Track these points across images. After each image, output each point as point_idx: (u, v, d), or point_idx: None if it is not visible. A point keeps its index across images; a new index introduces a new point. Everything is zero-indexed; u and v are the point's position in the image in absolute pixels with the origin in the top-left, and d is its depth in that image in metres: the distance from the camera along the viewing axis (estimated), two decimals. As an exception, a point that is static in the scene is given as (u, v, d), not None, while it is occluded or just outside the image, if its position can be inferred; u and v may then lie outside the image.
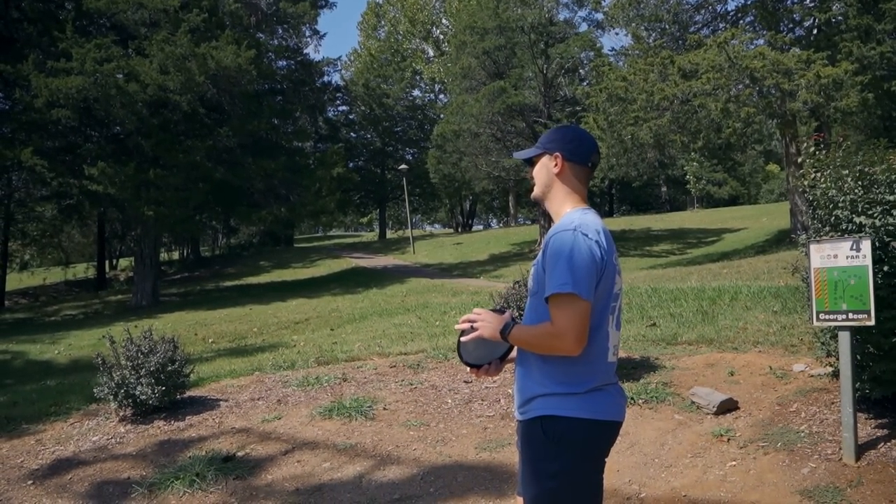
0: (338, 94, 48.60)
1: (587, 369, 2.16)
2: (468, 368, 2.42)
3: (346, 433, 5.46)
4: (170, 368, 6.06)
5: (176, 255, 48.25)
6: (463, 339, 2.33)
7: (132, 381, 5.90)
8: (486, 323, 2.27)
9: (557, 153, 2.33)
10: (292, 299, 19.85)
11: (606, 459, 2.31)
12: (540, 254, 2.22)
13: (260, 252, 46.02)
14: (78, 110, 19.72)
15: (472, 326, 2.30)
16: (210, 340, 13.04)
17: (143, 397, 5.88)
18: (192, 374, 6.73)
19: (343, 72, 55.46)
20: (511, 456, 4.77)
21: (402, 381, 6.74)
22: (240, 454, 5.16)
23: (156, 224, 22.22)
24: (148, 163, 20.65)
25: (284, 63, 36.93)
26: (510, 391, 6.13)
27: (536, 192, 2.41)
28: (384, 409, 5.95)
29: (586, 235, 2.13)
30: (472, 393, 6.20)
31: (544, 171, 2.36)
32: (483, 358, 2.40)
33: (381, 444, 5.22)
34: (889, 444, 4.24)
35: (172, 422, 5.98)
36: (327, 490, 4.54)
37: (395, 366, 7.44)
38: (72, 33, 19.15)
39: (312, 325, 14.03)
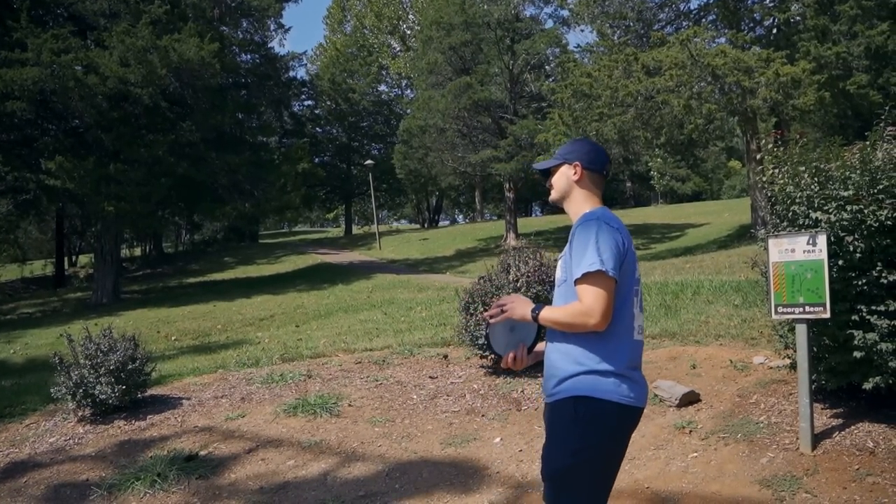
0: (303, 89, 48.10)
1: (618, 346, 2.34)
2: (500, 358, 2.55)
3: (311, 430, 5.42)
4: (130, 367, 5.96)
5: (138, 252, 47.36)
6: (492, 320, 2.49)
7: (91, 380, 5.79)
8: (515, 305, 2.47)
9: (577, 162, 2.57)
10: (257, 296, 19.65)
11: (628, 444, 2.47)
12: (567, 246, 2.45)
13: (224, 248, 45.44)
14: (34, 103, 19.18)
15: (501, 310, 2.48)
16: (173, 338, 12.84)
17: (103, 397, 5.78)
18: (153, 373, 6.64)
19: (309, 66, 55.03)
20: (477, 451, 4.79)
21: (368, 377, 6.72)
22: (203, 453, 5.10)
23: (116, 220, 21.79)
24: (108, 157, 20.20)
25: (249, 57, 36.42)
26: (475, 386, 6.15)
27: (555, 196, 2.65)
28: (349, 405, 5.92)
29: (609, 224, 2.38)
30: (438, 388, 6.20)
31: (564, 178, 2.60)
32: (511, 345, 2.55)
33: (347, 440, 5.19)
34: (843, 432, 4.34)
35: (133, 421, 5.88)
36: (292, 488, 4.51)
37: (360, 362, 7.41)
38: (27, 23, 18.59)
39: (277, 321, 13.90)
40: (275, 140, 42.97)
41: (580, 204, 2.57)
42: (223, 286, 24.97)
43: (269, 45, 38.21)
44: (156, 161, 20.32)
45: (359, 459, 4.86)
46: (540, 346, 2.60)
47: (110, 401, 5.82)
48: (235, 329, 13.46)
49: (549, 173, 2.67)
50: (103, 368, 5.79)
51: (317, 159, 50.02)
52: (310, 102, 51.43)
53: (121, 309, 19.75)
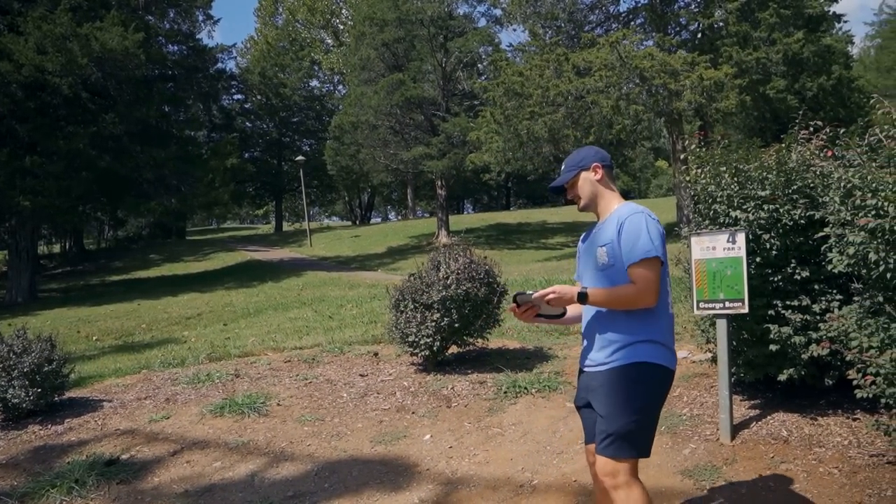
0: (233, 83, 46.97)
1: (661, 319, 2.75)
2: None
3: (239, 431, 5.31)
4: (46, 369, 5.70)
5: (57, 248, 45.48)
6: (536, 294, 2.72)
7: (3, 383, 5.51)
8: (563, 290, 2.71)
9: (595, 164, 2.88)
10: (184, 294, 19.16)
11: None
12: (614, 235, 2.73)
13: (150, 245, 44.10)
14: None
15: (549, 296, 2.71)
16: (94, 338, 12.39)
17: (16, 401, 5.51)
18: (72, 374, 6.38)
19: (238, 59, 53.83)
20: (407, 449, 4.78)
21: (297, 375, 6.62)
22: (124, 457, 4.92)
23: (33, 215, 20.89)
24: (24, 149, 19.34)
25: (176, 48, 35.22)
26: (406, 384, 6.13)
27: (585, 202, 2.90)
28: (278, 404, 5.82)
29: (651, 216, 2.74)
30: (368, 386, 6.16)
31: (588, 184, 2.89)
32: (528, 302, 2.79)
33: (275, 440, 5.10)
34: (760, 423, 4.51)
35: (49, 426, 5.62)
36: (218, 490, 4.40)
37: (289, 360, 7.30)
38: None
39: (205, 320, 13.58)
40: (203, 134, 41.94)
41: (609, 200, 2.89)
42: (148, 284, 24.24)
43: (198, 37, 36.96)
44: (76, 154, 19.55)
45: (287, 459, 4.78)
46: (531, 313, 2.83)
47: (24, 405, 5.55)
48: (161, 328, 13.09)
49: (563, 189, 2.94)
50: (16, 371, 5.52)
51: (246, 154, 49.07)
52: (239, 96, 50.31)
53: (38, 308, 18.94)
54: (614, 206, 2.86)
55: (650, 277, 2.65)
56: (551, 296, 2.69)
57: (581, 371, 2.97)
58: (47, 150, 19.30)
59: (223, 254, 34.29)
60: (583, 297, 2.70)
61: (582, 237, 3.10)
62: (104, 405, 6.10)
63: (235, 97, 50.09)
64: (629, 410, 2.67)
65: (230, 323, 12.44)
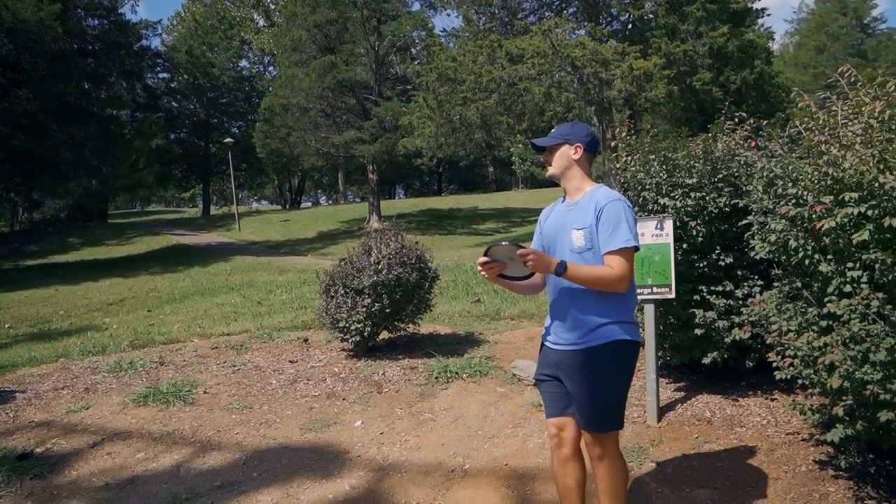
0: (158, 61, 45.42)
1: (632, 301, 2.95)
2: (485, 263, 2.79)
3: (163, 420, 5.14)
4: (-47, 356, 5.40)
5: (-35, 231, 43.25)
6: (518, 251, 2.69)
7: None
8: (542, 256, 2.74)
9: (579, 144, 2.96)
10: (105, 279, 18.49)
11: None
12: (592, 220, 2.82)
13: (69, 228, 42.29)
14: None
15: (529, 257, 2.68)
16: (7, 326, 11.81)
17: (-81, 390, 5.20)
18: (-19, 363, 6.05)
19: (164, 37, 52.00)
20: (338, 435, 4.72)
21: (225, 362, 6.46)
22: (39, 450, 4.69)
23: (-61, 195, 19.77)
24: (-73, 125, 18.27)
25: (97, 22, 33.71)
26: (336, 370, 6.06)
27: (553, 171, 3.01)
28: (205, 392, 5.66)
29: (627, 204, 2.86)
30: (298, 373, 6.06)
31: (564, 157, 2.98)
32: (496, 259, 2.80)
33: (202, 429, 4.96)
34: (685, 404, 4.64)
35: (-44, 417, 5.33)
36: (141, 482, 4.24)
37: (216, 347, 7.12)
38: None
39: (128, 306, 13.14)
40: (126, 114, 40.36)
41: (580, 180, 2.97)
42: (67, 269, 23.26)
43: (120, 11, 35.54)
44: (-14, 131, 18.56)
45: (214, 448, 4.65)
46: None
47: (-72, 394, 5.25)
48: (80, 315, 12.59)
49: (543, 149, 3.02)
50: (-80, 359, 5.21)
51: (172, 135, 47.62)
52: (165, 75, 48.70)
53: (-55, 293, 17.94)
54: (587, 188, 2.95)
55: (628, 266, 2.78)
56: (531, 259, 2.68)
57: (545, 347, 3.04)
58: (-46, 127, 18.27)
59: (148, 237, 33.19)
60: (562, 269, 2.72)
61: (545, 213, 3.15)
62: (16, 396, 5.80)
63: (161, 76, 48.52)
64: (612, 386, 2.85)
65: (154, 309, 12.07)
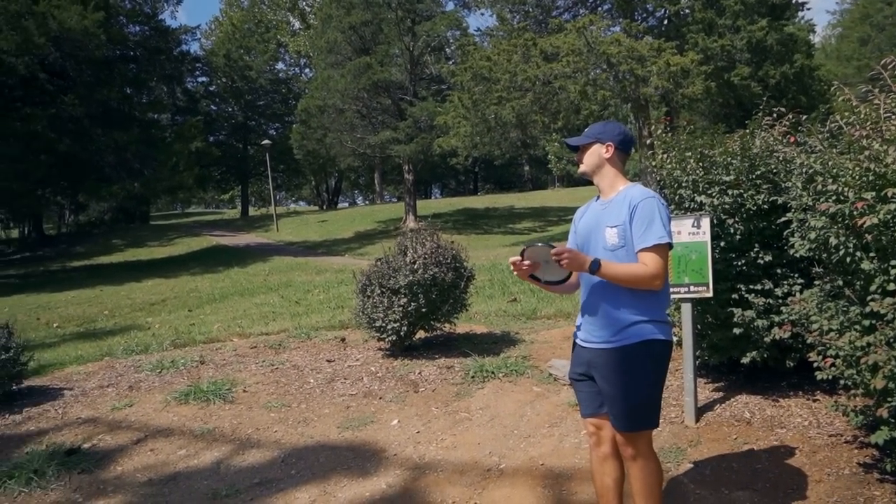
0: (197, 65, 46.12)
1: (665, 299, 2.93)
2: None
3: (204, 418, 5.24)
4: (3, 357, 5.57)
5: (15, 233, 44.44)
6: (553, 251, 2.73)
7: (-42, 371, 5.38)
8: (577, 254, 2.74)
9: (610, 143, 2.95)
10: (147, 279, 18.86)
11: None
12: (626, 217, 2.81)
13: (112, 230, 43.27)
14: None
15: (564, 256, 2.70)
16: (55, 325, 12.15)
17: (-29, 389, 5.38)
18: (31, 362, 6.24)
19: (203, 41, 52.82)
20: (374, 434, 4.76)
21: (263, 361, 6.56)
22: (86, 446, 4.83)
23: (-11, 199, 20.37)
24: (-23, 131, 18.81)
25: (138, 28, 34.42)
26: (373, 369, 6.11)
27: (584, 169, 3.01)
28: (244, 391, 5.76)
29: (661, 201, 2.84)
30: (335, 372, 6.12)
31: (595, 156, 2.97)
32: (532, 259, 2.83)
33: (241, 427, 5.05)
34: (724, 405, 4.58)
35: (7, 415, 5.49)
36: (183, 478, 4.34)
37: (255, 346, 7.23)
38: None
39: (169, 306, 13.40)
40: (166, 117, 41.11)
41: (612, 179, 2.96)
42: (111, 270, 23.80)
43: (160, 17, 36.28)
44: (33, 136, 19.08)
45: (254, 446, 4.73)
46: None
47: (-20, 393, 5.43)
48: (124, 314, 12.88)
49: (577, 148, 3.02)
50: (-29, 359, 5.39)
51: (211, 138, 48.29)
52: (204, 79, 49.40)
53: (-5, 294, 18.50)
54: (620, 187, 2.94)
55: (662, 263, 2.77)
56: (566, 258, 2.69)
57: (578, 346, 3.04)
58: (3, 133, 18.78)
59: (188, 239, 33.78)
60: (595, 266, 2.72)
61: (580, 212, 3.15)
62: (65, 393, 5.98)
63: (200, 80, 49.20)
64: (643, 385, 2.82)
65: (195, 309, 12.29)
